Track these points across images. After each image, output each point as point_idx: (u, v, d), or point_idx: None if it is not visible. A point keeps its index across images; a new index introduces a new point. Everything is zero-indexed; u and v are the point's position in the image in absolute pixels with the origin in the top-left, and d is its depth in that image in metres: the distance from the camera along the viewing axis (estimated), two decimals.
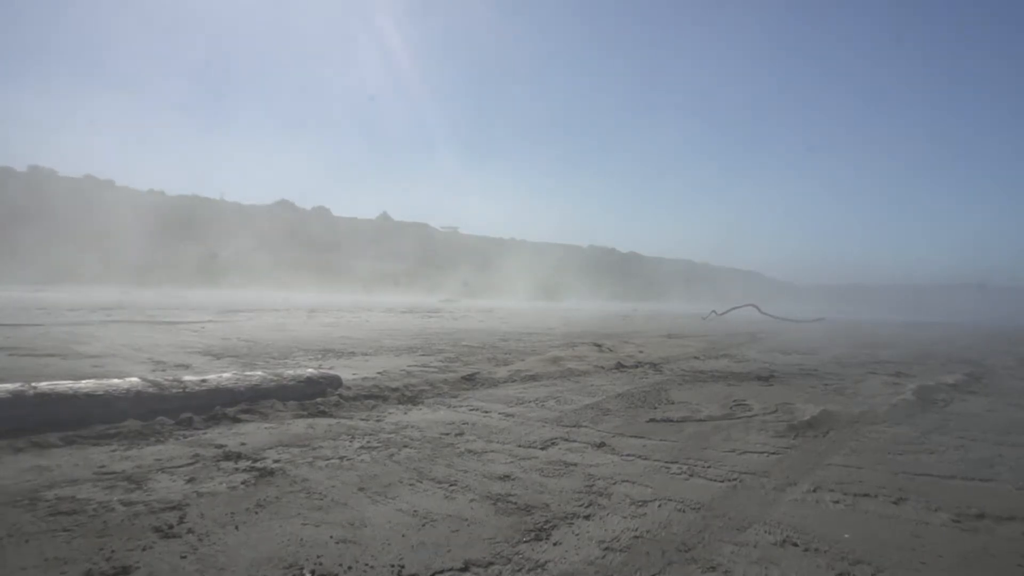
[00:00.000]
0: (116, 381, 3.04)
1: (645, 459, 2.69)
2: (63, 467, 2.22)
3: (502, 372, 5.13)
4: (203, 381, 3.28)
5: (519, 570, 1.58)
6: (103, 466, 2.25)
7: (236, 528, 1.76)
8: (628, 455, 2.74)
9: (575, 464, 2.56)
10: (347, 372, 4.59)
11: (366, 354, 6.17)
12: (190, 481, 2.13)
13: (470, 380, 4.60)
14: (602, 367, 5.80)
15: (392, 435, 2.92)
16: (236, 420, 3.06)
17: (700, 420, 3.54)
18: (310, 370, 4.00)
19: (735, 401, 4.20)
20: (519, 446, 2.84)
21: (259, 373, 3.68)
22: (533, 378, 4.96)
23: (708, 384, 5.04)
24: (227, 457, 2.43)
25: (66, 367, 4.39)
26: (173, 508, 1.88)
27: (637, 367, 5.98)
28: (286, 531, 1.75)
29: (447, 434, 3.00)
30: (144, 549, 1.59)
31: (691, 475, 2.48)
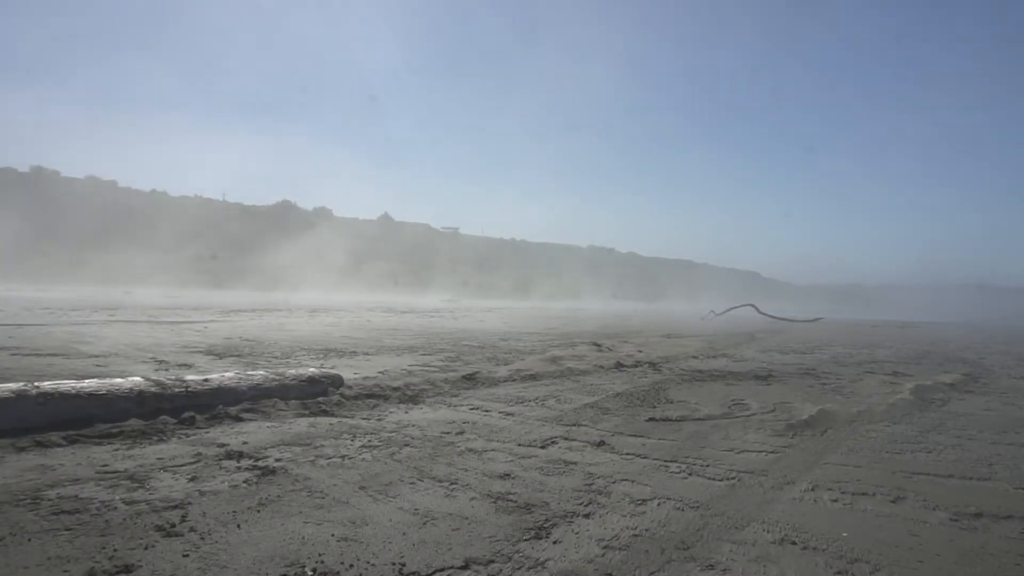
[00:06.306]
0: (119, 380, 3.05)
1: (644, 458, 2.70)
2: (66, 466, 2.23)
3: (502, 371, 5.14)
4: (206, 380, 3.30)
5: (519, 568, 1.59)
6: (106, 465, 2.26)
7: (238, 527, 1.77)
8: (627, 454, 2.76)
9: (575, 463, 2.58)
10: (348, 371, 4.61)
11: (367, 353, 6.19)
12: (192, 480, 2.15)
13: (470, 379, 4.61)
14: (601, 366, 5.81)
15: (393, 434, 2.94)
16: (238, 419, 3.07)
17: (699, 419, 3.55)
18: (312, 369, 4.01)
19: (733, 400, 4.21)
20: (519, 445, 2.85)
21: (261, 372, 3.69)
22: (533, 377, 4.97)
23: (707, 383, 5.05)
24: (229, 456, 2.45)
25: (69, 366, 4.41)
26: (175, 507, 1.89)
27: (636, 366, 6.00)
28: (288, 529, 1.76)
29: (448, 433, 3.02)
30: (146, 548, 1.60)
31: (690, 474, 2.49)
